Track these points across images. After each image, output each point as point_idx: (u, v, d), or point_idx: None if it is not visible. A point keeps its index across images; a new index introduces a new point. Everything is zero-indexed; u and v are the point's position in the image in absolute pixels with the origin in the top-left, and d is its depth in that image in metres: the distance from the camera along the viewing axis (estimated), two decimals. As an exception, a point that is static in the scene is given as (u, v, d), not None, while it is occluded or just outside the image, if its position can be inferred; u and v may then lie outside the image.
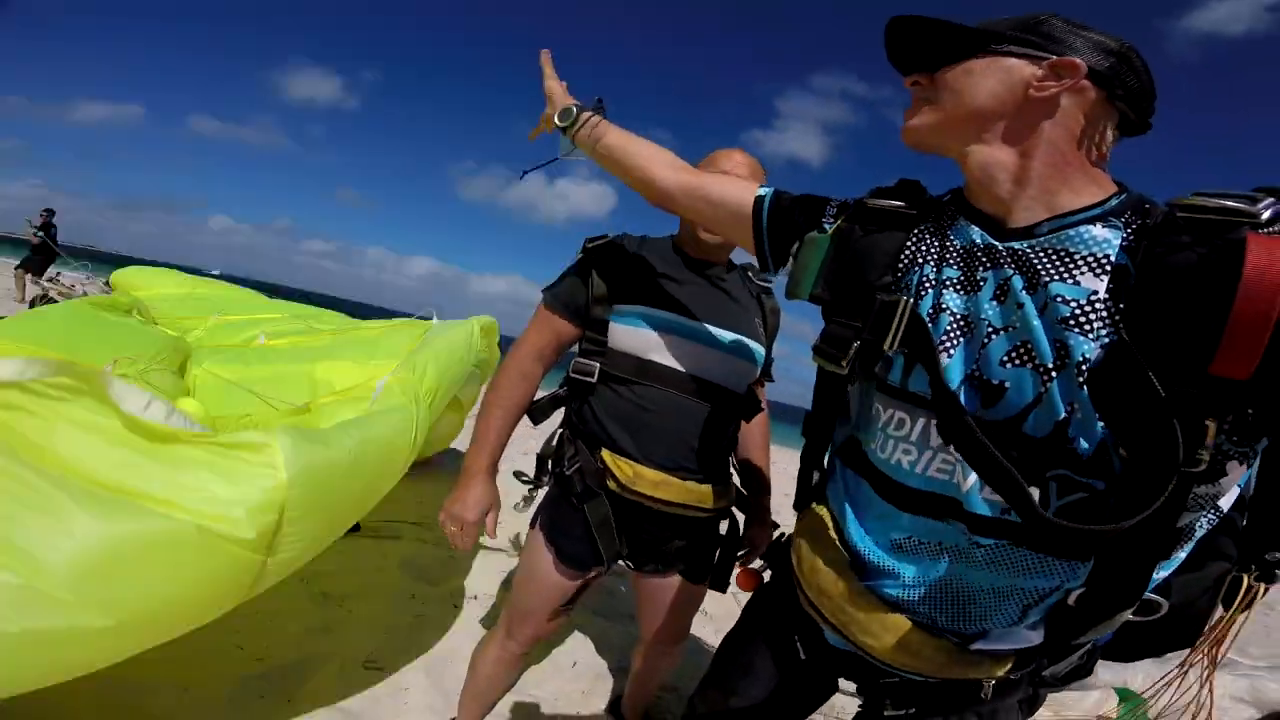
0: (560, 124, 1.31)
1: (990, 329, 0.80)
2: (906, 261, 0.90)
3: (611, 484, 1.43)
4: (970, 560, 0.83)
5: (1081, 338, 0.73)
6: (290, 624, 2.18)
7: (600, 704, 2.19)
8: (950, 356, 0.82)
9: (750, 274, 1.62)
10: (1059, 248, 0.77)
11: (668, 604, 1.61)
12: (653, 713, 2.11)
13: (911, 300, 0.86)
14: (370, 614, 2.38)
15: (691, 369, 1.42)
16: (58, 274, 9.71)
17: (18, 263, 10.13)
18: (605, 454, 1.43)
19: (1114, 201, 0.78)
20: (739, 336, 1.48)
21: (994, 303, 0.80)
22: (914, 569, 0.88)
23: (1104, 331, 0.72)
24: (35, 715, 1.51)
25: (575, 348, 1.52)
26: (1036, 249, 0.79)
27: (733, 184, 1.14)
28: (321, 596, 2.42)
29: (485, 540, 3.01)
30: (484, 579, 2.88)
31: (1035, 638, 0.84)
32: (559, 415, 1.61)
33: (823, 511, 1.02)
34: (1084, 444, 0.74)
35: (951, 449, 0.82)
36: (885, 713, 0.95)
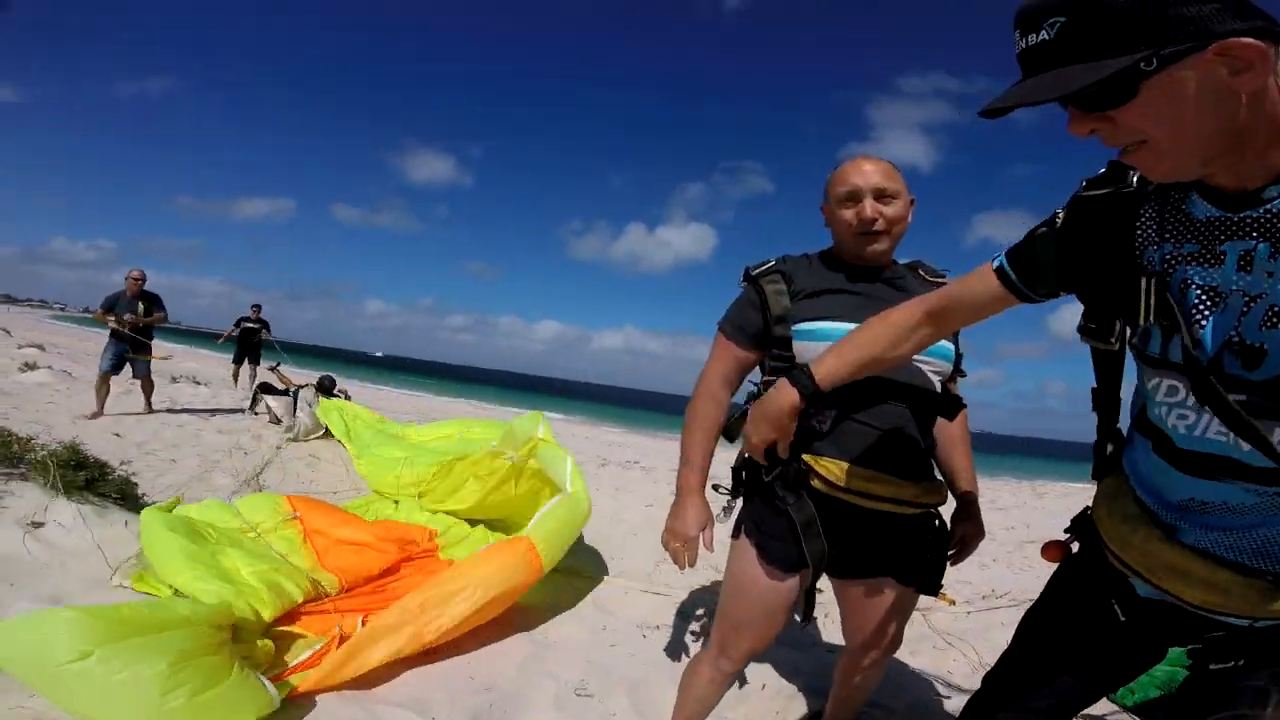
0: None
1: (1245, 298, 0.82)
2: (1142, 240, 0.92)
3: (817, 483, 1.43)
4: (1261, 511, 0.85)
5: None
6: (509, 657, 2.45)
7: (796, 724, 2.25)
8: (1203, 327, 0.85)
9: (922, 271, 1.63)
10: None
11: (878, 610, 1.58)
12: (858, 729, 2.06)
13: (1154, 279, 0.88)
14: (572, 645, 2.62)
15: (889, 375, 1.42)
16: (277, 364, 10.47)
17: (233, 357, 11.06)
18: (807, 457, 1.44)
19: None
20: None
21: (1241, 273, 0.82)
22: (1205, 523, 0.90)
23: None
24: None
25: (756, 372, 1.59)
26: (1270, 214, 0.80)
27: (968, 283, 1.14)
28: (530, 631, 2.71)
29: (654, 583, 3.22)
30: (658, 612, 3.07)
31: None
32: None
33: (1120, 478, 1.05)
34: None
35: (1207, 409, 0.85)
36: (1210, 666, 0.94)
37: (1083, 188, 1.00)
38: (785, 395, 1.28)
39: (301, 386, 8.59)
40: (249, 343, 11.13)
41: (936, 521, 1.60)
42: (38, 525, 2.82)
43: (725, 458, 1.66)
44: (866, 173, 1.49)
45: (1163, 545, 0.93)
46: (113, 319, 7.57)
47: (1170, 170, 0.82)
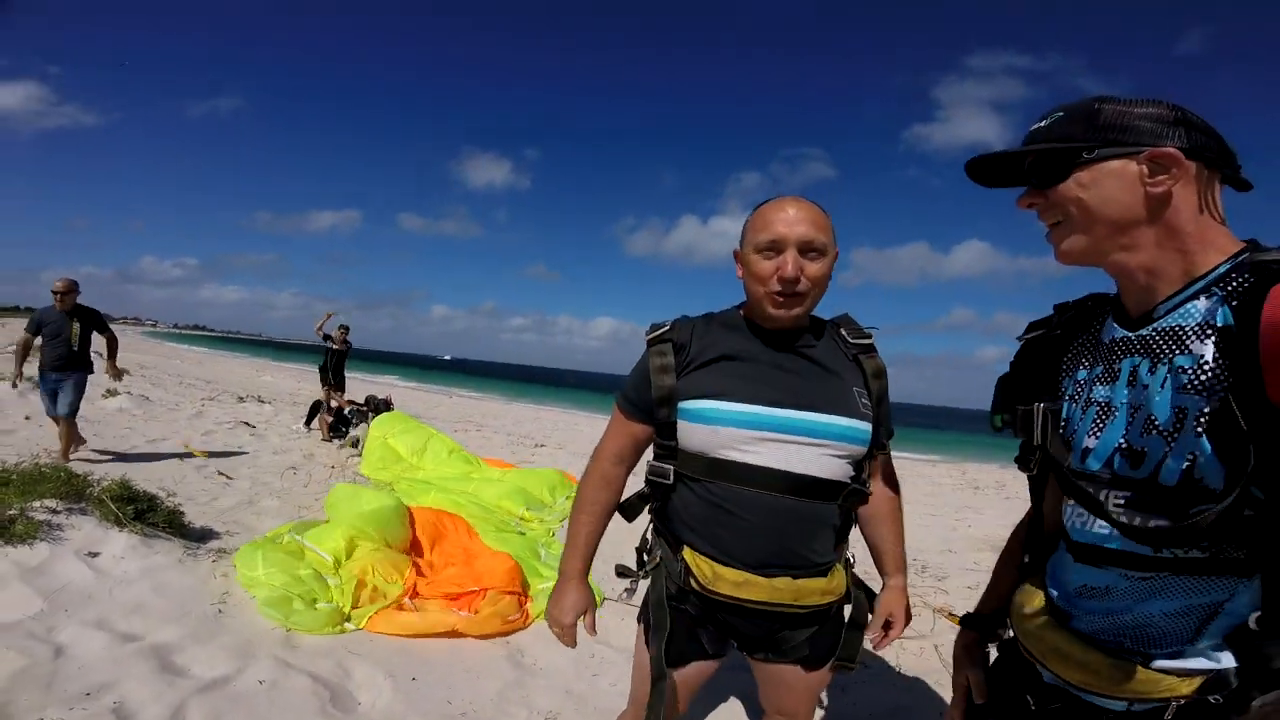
0: None
1: (1130, 410, 0.93)
2: (1065, 372, 1.08)
3: (693, 584, 1.35)
4: (1133, 595, 0.93)
5: (1196, 397, 0.84)
6: (491, 680, 2.65)
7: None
8: (1096, 438, 0.97)
9: (844, 332, 1.45)
10: (1172, 325, 0.89)
11: (786, 688, 1.48)
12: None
13: (1044, 406, 1.05)
14: (555, 672, 2.79)
15: (776, 464, 1.29)
16: (333, 385, 9.55)
17: (321, 380, 9.78)
18: (687, 553, 1.36)
19: (1222, 268, 0.87)
20: (835, 418, 1.32)
21: (1128, 388, 0.94)
22: (1093, 609, 0.99)
23: (1215, 387, 0.82)
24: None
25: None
26: (1155, 332, 0.91)
27: None
28: (520, 654, 2.90)
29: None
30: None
31: (1224, 659, 0.88)
32: None
33: (1038, 579, 1.13)
34: (1212, 483, 0.82)
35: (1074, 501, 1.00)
36: None
37: (1025, 332, 1.16)
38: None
39: (359, 406, 9.07)
40: (336, 366, 10.12)
41: (839, 603, 1.45)
42: (94, 555, 3.18)
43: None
44: (792, 221, 1.29)
45: (1054, 632, 1.02)
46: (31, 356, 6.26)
47: (1079, 249, 0.95)
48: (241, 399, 11.74)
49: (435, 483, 5.85)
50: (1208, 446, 0.82)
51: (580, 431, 14.11)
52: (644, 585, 1.54)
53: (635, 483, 1.44)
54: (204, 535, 3.90)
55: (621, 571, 1.53)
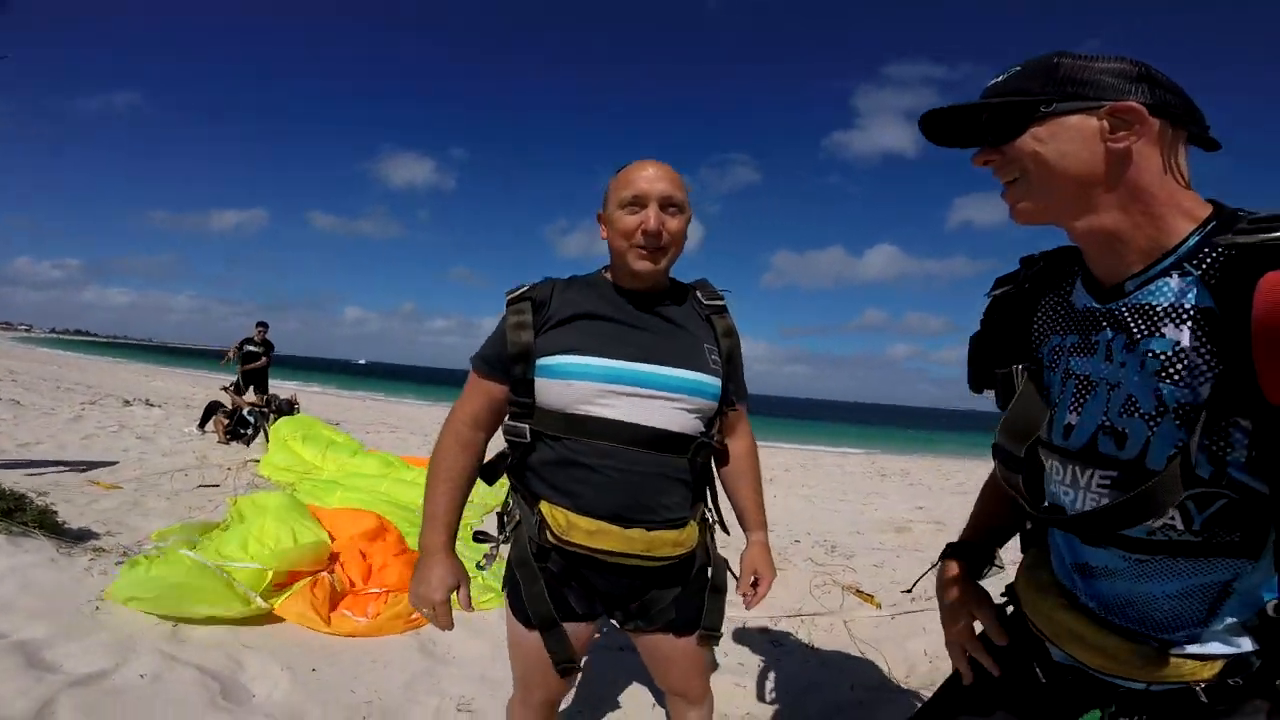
0: None
1: (1109, 386, 0.89)
2: (1038, 334, 1.04)
3: (549, 537, 1.34)
4: (1130, 575, 0.90)
5: (1175, 387, 0.81)
6: (398, 672, 2.54)
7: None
8: (1078, 414, 0.93)
9: (699, 294, 1.52)
10: (1143, 303, 0.86)
11: (668, 661, 1.51)
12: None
13: (1031, 368, 1.02)
14: (471, 660, 2.71)
15: (630, 417, 1.33)
16: (235, 384, 9.26)
17: (235, 385, 9.29)
18: (543, 505, 1.36)
19: (1192, 241, 0.83)
20: (686, 373, 1.37)
21: (1106, 363, 0.90)
22: (1095, 590, 0.96)
23: (1195, 379, 0.79)
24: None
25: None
26: (1125, 308, 0.87)
27: None
28: (430, 645, 2.79)
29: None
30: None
31: (1243, 644, 0.86)
32: None
33: (1041, 551, 1.11)
34: (1201, 471, 0.79)
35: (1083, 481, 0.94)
36: None
37: (992, 288, 1.13)
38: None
39: (261, 407, 8.57)
40: (255, 368, 9.67)
41: (698, 564, 1.48)
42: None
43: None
44: (653, 178, 1.37)
45: (1065, 612, 0.99)
46: None
47: (1036, 208, 0.91)
48: (128, 402, 10.90)
49: (343, 481, 5.62)
50: (1190, 437, 0.79)
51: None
52: (504, 552, 1.50)
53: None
54: (81, 535, 3.58)
55: (480, 536, 1.50)
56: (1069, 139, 0.85)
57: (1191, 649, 0.88)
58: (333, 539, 3.54)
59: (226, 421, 8.12)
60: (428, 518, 1.42)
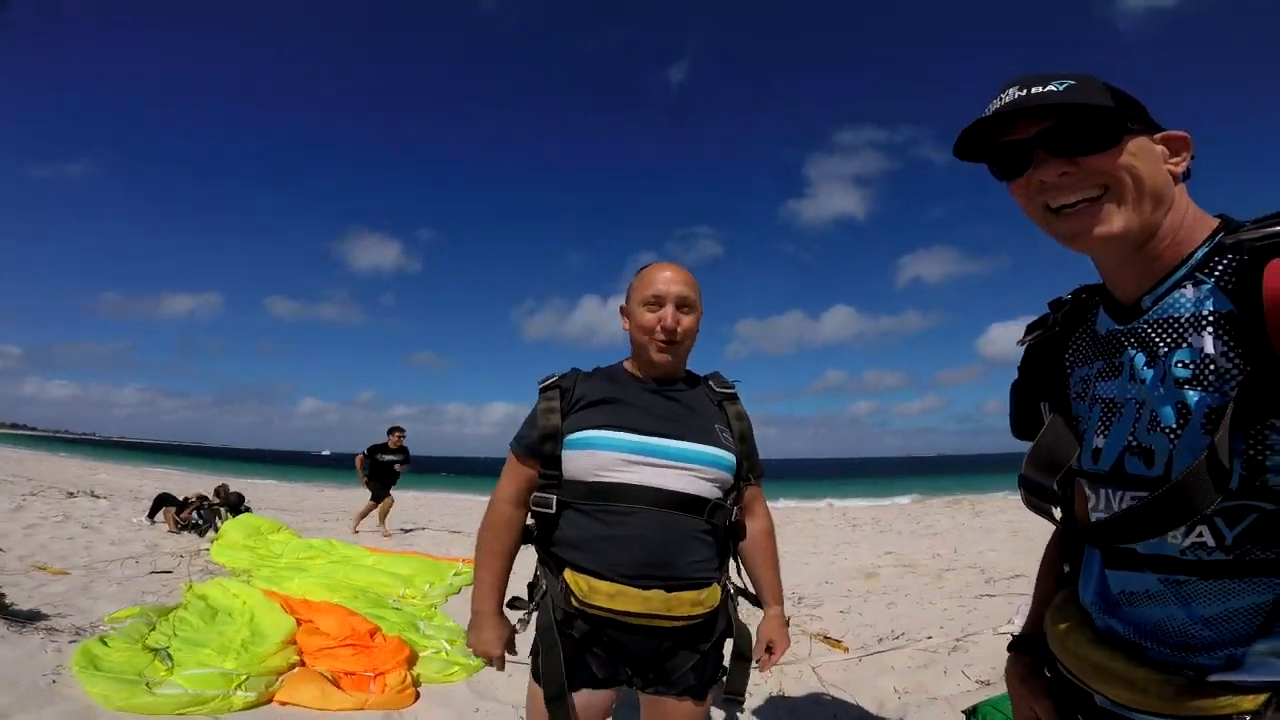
0: None
1: (1136, 405, 0.88)
2: (1069, 368, 1.05)
3: (573, 601, 1.43)
4: (1167, 600, 0.86)
5: (1201, 393, 0.80)
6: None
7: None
8: (1104, 436, 0.93)
9: (711, 383, 1.68)
10: (1165, 317, 0.86)
11: (667, 718, 1.54)
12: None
13: (1048, 404, 1.04)
14: (436, 725, 2.69)
15: (650, 482, 1.44)
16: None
17: (372, 495, 9.00)
18: (567, 573, 1.45)
19: (1200, 252, 0.85)
20: (701, 447, 1.50)
21: (1130, 383, 0.89)
22: (1136, 617, 0.91)
23: (1222, 382, 0.78)
24: None
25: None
26: (1147, 324, 0.88)
27: None
28: (396, 715, 2.78)
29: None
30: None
31: None
32: None
33: (1070, 591, 1.06)
34: (1233, 478, 0.76)
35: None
36: None
37: (1024, 336, 1.14)
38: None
39: (212, 502, 8.32)
40: (386, 477, 9.12)
41: (719, 631, 1.55)
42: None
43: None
44: (670, 280, 1.56)
45: (1091, 647, 0.94)
46: None
47: (1127, 225, 0.84)
48: (72, 494, 10.49)
49: (303, 565, 5.51)
50: (1216, 436, 0.77)
51: (467, 510, 13.56)
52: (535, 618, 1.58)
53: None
54: (32, 616, 3.49)
55: (514, 603, 1.61)
56: (1151, 158, 0.85)
57: (1232, 677, 0.81)
58: (300, 623, 3.54)
59: (175, 514, 7.87)
60: (480, 583, 1.59)
